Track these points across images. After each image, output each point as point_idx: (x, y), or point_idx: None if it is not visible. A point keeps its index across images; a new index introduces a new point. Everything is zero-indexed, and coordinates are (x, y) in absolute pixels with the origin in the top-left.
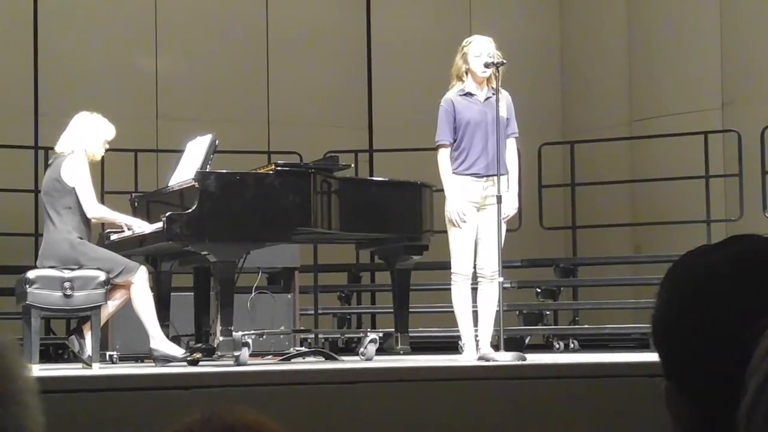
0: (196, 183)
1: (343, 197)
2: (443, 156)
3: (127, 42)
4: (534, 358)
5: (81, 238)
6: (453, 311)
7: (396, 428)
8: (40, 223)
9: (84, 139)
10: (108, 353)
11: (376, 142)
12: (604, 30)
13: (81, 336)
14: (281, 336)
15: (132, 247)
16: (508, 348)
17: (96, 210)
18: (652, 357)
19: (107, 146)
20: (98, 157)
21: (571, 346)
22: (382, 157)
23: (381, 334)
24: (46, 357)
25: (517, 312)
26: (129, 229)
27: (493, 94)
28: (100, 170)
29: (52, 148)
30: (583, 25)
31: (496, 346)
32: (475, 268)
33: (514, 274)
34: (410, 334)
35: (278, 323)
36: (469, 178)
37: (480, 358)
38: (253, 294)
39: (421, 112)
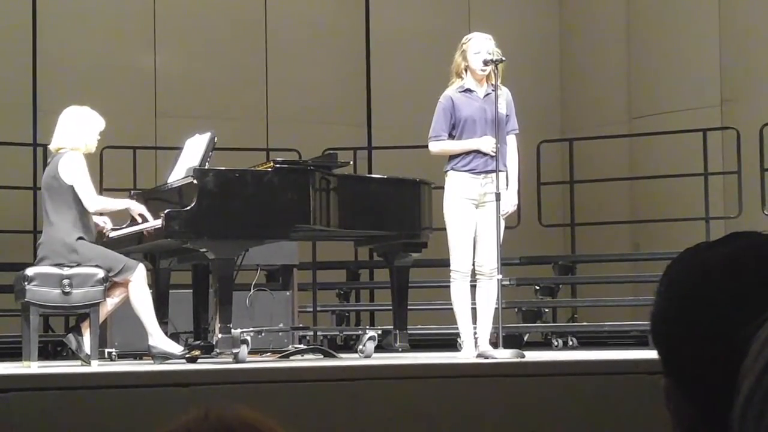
0: (195, 180)
1: (341, 194)
2: (439, 145)
3: (125, 39)
4: (532, 356)
5: (79, 238)
6: (452, 308)
7: (395, 426)
8: (39, 220)
9: (77, 133)
10: (107, 350)
11: (374, 140)
12: (603, 27)
13: (78, 333)
14: (280, 333)
15: (131, 245)
16: (507, 345)
17: (96, 203)
18: (651, 354)
19: (99, 137)
20: (92, 149)
21: (570, 343)
22: (380, 154)
23: (380, 332)
24: (45, 354)
25: (516, 309)
26: (139, 218)
27: (493, 90)
28: (98, 167)
29: None
30: (582, 22)
31: (494, 344)
32: (474, 265)
33: (512, 272)
34: (409, 332)
35: (277, 320)
36: (467, 174)
37: (479, 356)
38: (252, 291)
39: (419, 109)
